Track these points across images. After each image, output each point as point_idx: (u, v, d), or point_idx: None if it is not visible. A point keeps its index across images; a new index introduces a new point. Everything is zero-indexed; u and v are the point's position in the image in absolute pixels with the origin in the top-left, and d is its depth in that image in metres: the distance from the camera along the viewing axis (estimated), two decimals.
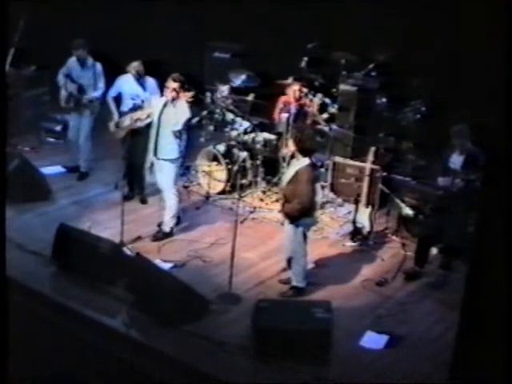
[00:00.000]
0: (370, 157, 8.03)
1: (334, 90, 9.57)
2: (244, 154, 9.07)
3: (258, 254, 7.79)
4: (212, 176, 9.11)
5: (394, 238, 8.27)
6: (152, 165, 7.91)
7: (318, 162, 8.37)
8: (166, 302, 6.51)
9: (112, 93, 8.70)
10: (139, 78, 8.52)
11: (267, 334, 6.10)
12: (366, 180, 7.98)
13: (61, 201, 8.72)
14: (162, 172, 7.84)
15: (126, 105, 8.56)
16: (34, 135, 10.47)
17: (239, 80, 9.57)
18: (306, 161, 6.78)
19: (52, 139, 10.60)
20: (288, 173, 7.02)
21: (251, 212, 8.64)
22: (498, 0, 4.46)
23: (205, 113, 9.56)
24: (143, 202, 8.83)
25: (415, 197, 8.14)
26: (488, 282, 4.37)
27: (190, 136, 8.57)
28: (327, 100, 9.46)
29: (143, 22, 10.58)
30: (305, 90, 9.13)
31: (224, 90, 9.45)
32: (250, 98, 9.44)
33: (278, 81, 9.20)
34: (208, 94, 9.52)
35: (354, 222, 8.17)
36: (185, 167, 9.08)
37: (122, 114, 8.57)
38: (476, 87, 7.60)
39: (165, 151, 7.73)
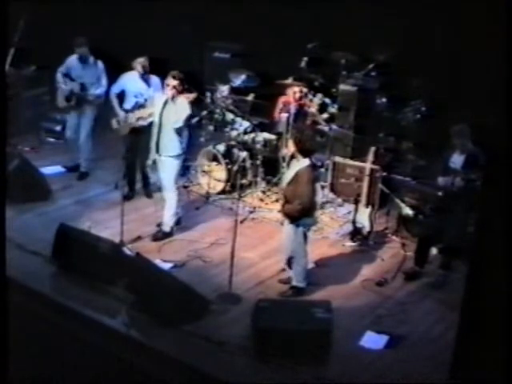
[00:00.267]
0: (370, 157, 8.03)
1: (334, 90, 9.56)
2: (244, 154, 9.07)
3: (257, 253, 7.79)
4: (212, 176, 9.11)
5: (394, 237, 8.27)
6: (154, 162, 7.92)
7: (318, 162, 8.37)
8: (166, 302, 6.50)
9: (115, 89, 8.67)
10: (144, 75, 8.48)
11: (267, 334, 6.10)
12: (366, 180, 7.98)
13: (61, 201, 8.72)
14: (164, 169, 7.85)
15: (129, 102, 8.54)
16: (34, 135, 10.47)
17: (239, 80, 9.57)
18: (306, 161, 6.78)
19: (52, 139, 10.60)
20: (288, 173, 7.02)
21: (251, 212, 8.64)
22: (498, 0, 4.47)
23: (205, 113, 9.56)
24: (148, 196, 8.86)
25: (415, 197, 8.14)
26: (488, 282, 4.37)
27: (191, 132, 8.56)
28: (327, 100, 9.46)
29: (143, 22, 10.57)
30: (305, 90, 9.14)
31: (224, 90, 9.45)
32: (250, 97, 9.44)
33: (278, 81, 9.20)
34: (208, 94, 9.52)
35: (353, 222, 8.17)
36: (185, 167, 9.08)
37: (124, 112, 8.56)
38: (476, 87, 7.60)
39: (167, 148, 7.74)
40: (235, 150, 9.18)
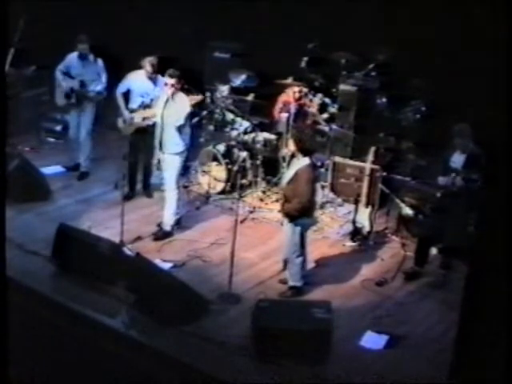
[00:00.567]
0: (370, 157, 8.03)
1: (334, 90, 9.56)
2: (244, 154, 9.07)
3: (257, 253, 7.79)
4: (212, 176, 9.11)
5: (394, 237, 8.27)
6: (159, 161, 7.93)
7: (318, 162, 8.37)
8: (165, 302, 6.50)
9: (121, 89, 8.65)
10: (152, 74, 8.44)
11: (267, 334, 6.10)
12: (366, 180, 7.98)
13: (61, 201, 8.72)
14: (167, 167, 7.87)
15: (135, 102, 8.52)
16: (34, 135, 10.47)
17: (239, 80, 9.57)
18: (305, 161, 6.78)
19: (52, 139, 10.60)
20: (288, 173, 7.03)
21: (251, 212, 8.64)
22: (498, 0, 4.46)
23: (205, 113, 9.56)
24: (148, 196, 8.87)
25: (415, 197, 8.14)
26: (488, 282, 4.36)
27: (194, 130, 8.55)
28: (327, 100, 9.46)
29: (143, 23, 10.57)
30: (305, 90, 9.14)
31: (224, 89, 9.45)
32: (250, 97, 9.44)
33: (278, 81, 9.20)
34: (208, 94, 9.52)
35: (353, 221, 8.17)
36: (185, 167, 9.07)
37: (130, 111, 8.54)
38: (476, 87, 7.60)
39: (169, 146, 7.77)
40: (235, 150, 9.17)
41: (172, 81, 7.66)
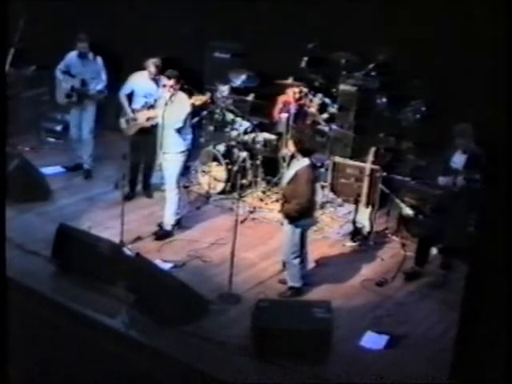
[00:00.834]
0: (370, 157, 8.03)
1: (334, 90, 9.56)
2: (244, 154, 9.07)
3: (257, 253, 7.79)
4: (212, 176, 9.11)
5: (394, 237, 8.27)
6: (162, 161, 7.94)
7: (318, 162, 8.37)
8: (165, 302, 6.50)
9: (125, 91, 8.65)
10: (156, 75, 8.42)
11: (267, 334, 6.10)
12: (366, 180, 7.98)
13: (61, 201, 8.73)
14: (168, 166, 7.87)
15: (138, 102, 8.53)
16: (34, 135, 10.48)
17: (239, 80, 9.57)
18: (305, 161, 6.78)
19: (52, 139, 10.61)
20: (288, 173, 7.02)
21: (251, 212, 8.64)
22: (498, 0, 4.46)
23: (205, 113, 9.56)
24: (148, 196, 8.88)
25: (415, 197, 8.14)
26: (488, 282, 4.36)
27: (195, 130, 8.54)
28: (327, 100, 9.46)
29: (143, 23, 10.56)
30: (305, 90, 9.13)
31: (224, 89, 9.45)
32: (250, 98, 9.44)
33: (278, 81, 9.20)
34: (208, 94, 9.51)
35: (353, 222, 8.17)
36: (185, 167, 9.07)
37: (133, 112, 8.54)
38: (476, 87, 7.59)
39: (170, 146, 7.78)
40: (235, 150, 9.18)
41: (170, 82, 7.65)
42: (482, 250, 4.49)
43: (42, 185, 8.82)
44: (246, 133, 9.31)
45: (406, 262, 7.71)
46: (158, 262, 7.28)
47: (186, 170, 9.19)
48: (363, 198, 8.03)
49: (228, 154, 9.15)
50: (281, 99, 9.25)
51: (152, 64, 8.43)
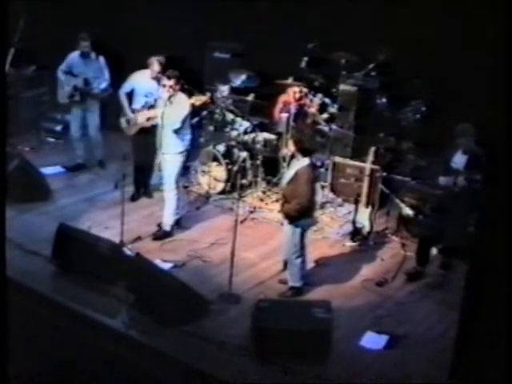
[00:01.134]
0: (370, 157, 8.03)
1: (334, 90, 9.56)
2: (244, 154, 9.07)
3: (257, 253, 7.79)
4: (212, 176, 9.11)
5: (394, 237, 8.27)
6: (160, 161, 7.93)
7: (318, 162, 8.37)
8: (165, 302, 6.50)
9: (125, 89, 8.63)
10: (158, 73, 8.37)
11: (267, 334, 6.09)
12: (366, 180, 7.98)
13: (61, 201, 8.73)
14: (166, 166, 7.86)
15: (139, 102, 8.50)
16: (34, 135, 10.48)
17: (239, 80, 9.57)
18: (305, 161, 6.78)
19: (52, 139, 10.62)
20: (288, 173, 7.02)
21: (251, 212, 8.64)
22: (498, 0, 4.47)
23: (205, 113, 9.56)
24: (148, 196, 8.87)
25: (415, 197, 8.14)
26: (488, 282, 4.37)
27: (194, 130, 8.53)
28: (327, 100, 9.45)
29: (143, 23, 10.57)
30: (305, 90, 9.13)
31: (224, 89, 9.45)
32: (250, 98, 9.44)
33: (278, 81, 9.20)
34: (208, 94, 9.50)
35: (353, 222, 8.17)
36: (185, 167, 9.07)
37: (133, 111, 8.52)
38: (476, 87, 7.60)
39: (169, 146, 7.75)
40: (235, 150, 9.17)
41: (170, 82, 7.62)
42: (481, 250, 4.50)
43: (42, 185, 8.82)
44: (246, 133, 9.31)
45: (406, 261, 7.71)
46: (158, 262, 7.28)
47: (185, 170, 9.20)
48: (363, 198, 8.03)
49: (228, 154, 9.15)
50: (281, 99, 9.25)
51: (156, 61, 8.40)
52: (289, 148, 7.06)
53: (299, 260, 6.97)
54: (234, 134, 9.30)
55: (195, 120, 9.13)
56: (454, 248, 7.31)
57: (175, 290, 6.68)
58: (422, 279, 7.41)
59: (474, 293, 4.51)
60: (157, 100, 8.18)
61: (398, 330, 6.57)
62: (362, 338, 6.41)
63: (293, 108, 8.92)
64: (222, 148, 9.20)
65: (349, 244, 8.12)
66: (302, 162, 6.78)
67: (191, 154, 8.74)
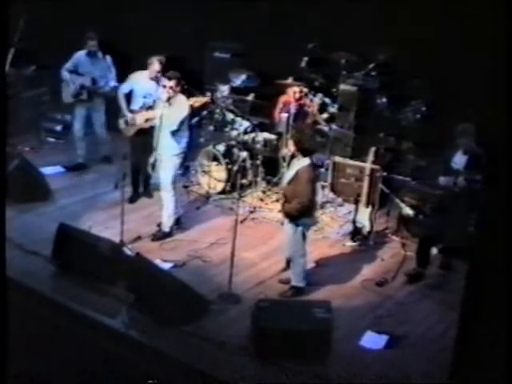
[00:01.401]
0: (370, 157, 8.03)
1: (334, 89, 9.56)
2: (244, 154, 9.07)
3: (257, 253, 7.79)
4: (212, 176, 9.11)
5: (394, 237, 8.27)
6: (155, 161, 7.90)
7: (318, 162, 8.37)
8: (165, 302, 6.50)
9: (124, 89, 8.62)
10: (158, 73, 8.35)
11: (267, 334, 6.09)
12: (366, 180, 7.98)
13: (61, 201, 8.73)
14: (163, 168, 7.84)
15: (137, 103, 8.48)
16: (34, 135, 10.48)
17: (239, 80, 9.57)
18: (306, 161, 6.78)
19: (52, 139, 10.62)
20: (288, 173, 7.03)
21: (251, 212, 8.64)
22: (498, 0, 4.47)
23: (205, 113, 9.56)
24: (149, 196, 8.86)
25: (415, 197, 8.14)
26: (488, 282, 4.36)
27: (193, 134, 8.52)
28: (327, 100, 9.46)
29: (143, 22, 10.57)
30: (305, 90, 9.13)
31: (224, 89, 9.45)
32: (250, 97, 9.45)
33: (278, 81, 9.20)
34: (208, 94, 9.51)
35: (353, 221, 8.17)
36: (185, 167, 9.08)
37: (131, 112, 8.50)
38: (476, 87, 7.60)
39: (166, 147, 7.73)
40: (235, 150, 9.17)
41: (170, 83, 7.59)
42: (482, 250, 4.49)
43: (42, 185, 8.82)
44: (246, 133, 9.31)
45: (406, 261, 7.71)
46: (158, 262, 7.28)
47: (186, 170, 9.22)
48: (363, 198, 8.03)
49: (228, 153, 9.15)
50: (281, 99, 9.25)
51: (157, 61, 8.37)
52: (289, 148, 7.06)
53: (303, 259, 6.97)
54: (233, 133, 9.30)
55: (195, 120, 9.14)
56: (454, 248, 7.31)
57: (175, 290, 6.68)
58: (422, 281, 7.40)
59: (473, 293, 4.51)
60: (155, 101, 8.17)
61: (398, 330, 6.57)
62: (361, 337, 6.41)
63: (293, 108, 8.92)
64: (221, 148, 9.20)
65: (349, 244, 8.12)
66: (303, 161, 6.78)
67: (191, 154, 8.76)
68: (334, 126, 9.18)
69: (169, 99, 7.63)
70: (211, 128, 9.58)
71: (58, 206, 8.60)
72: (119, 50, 9.82)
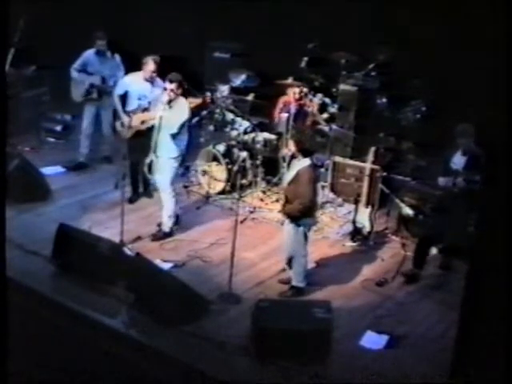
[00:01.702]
0: (370, 157, 8.03)
1: (334, 89, 9.56)
2: (244, 154, 9.07)
3: (257, 253, 7.79)
4: (212, 176, 9.11)
5: (394, 237, 8.27)
6: (151, 162, 7.88)
7: (318, 162, 8.37)
8: (165, 302, 6.50)
9: (118, 91, 8.60)
10: (153, 73, 8.31)
11: (267, 334, 6.09)
12: (366, 180, 7.98)
13: (61, 201, 8.72)
14: (160, 170, 7.83)
15: (132, 104, 8.46)
16: (34, 135, 10.46)
17: (239, 80, 9.57)
18: (306, 161, 6.78)
19: (52, 139, 10.61)
20: (289, 173, 7.02)
21: (251, 212, 8.64)
22: (498, 0, 4.47)
23: (205, 113, 9.56)
24: (149, 196, 8.86)
25: (415, 197, 8.14)
26: (488, 282, 4.37)
27: (192, 133, 8.50)
28: (327, 100, 9.46)
29: (142, 22, 10.58)
30: (305, 90, 9.13)
31: (224, 89, 9.45)
32: (250, 97, 9.44)
33: (278, 81, 9.20)
34: (208, 94, 9.51)
35: (353, 222, 8.17)
36: (185, 167, 9.08)
37: (127, 114, 8.50)
38: (476, 87, 7.60)
39: (164, 149, 7.70)
40: (235, 150, 9.17)
41: (172, 86, 7.54)
42: (482, 250, 4.50)
43: (42, 185, 8.81)
44: (246, 133, 9.30)
45: (406, 261, 7.70)
46: (158, 262, 7.28)
47: (185, 170, 9.21)
48: (363, 198, 8.03)
49: (228, 153, 9.15)
50: (281, 99, 9.25)
51: (151, 61, 8.32)
52: (289, 148, 7.05)
53: (305, 259, 6.98)
54: (233, 133, 9.30)
55: (195, 120, 9.12)
56: (454, 248, 7.31)
57: (175, 290, 6.68)
58: (417, 282, 7.38)
59: (473, 293, 4.52)
60: (151, 103, 8.14)
61: (398, 330, 6.57)
62: (362, 337, 6.41)
63: (293, 108, 8.91)
64: (221, 148, 9.19)
65: (349, 244, 8.11)
66: (303, 162, 6.78)
67: (191, 153, 8.74)
68: (334, 126, 9.18)
69: (169, 102, 7.59)
70: (211, 128, 9.58)
71: (57, 205, 8.59)
72: (117, 50, 9.82)
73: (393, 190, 8.35)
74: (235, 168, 8.94)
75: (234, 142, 9.24)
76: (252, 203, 8.81)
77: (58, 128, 10.68)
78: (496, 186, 4.31)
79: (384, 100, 9.42)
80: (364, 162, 8.13)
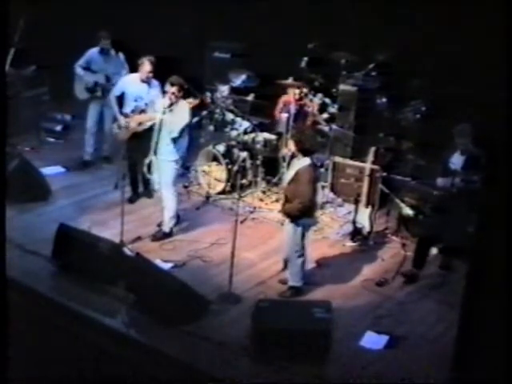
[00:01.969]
0: (370, 157, 8.03)
1: (334, 90, 9.56)
2: (244, 154, 9.07)
3: (257, 253, 7.79)
4: (212, 176, 9.11)
5: (393, 238, 8.27)
6: (150, 163, 7.87)
7: (318, 162, 8.37)
8: (165, 302, 6.50)
9: (115, 92, 8.62)
10: (149, 73, 8.32)
11: (267, 334, 6.09)
12: (366, 180, 7.98)
13: (61, 201, 8.72)
14: (161, 172, 7.82)
15: (129, 106, 8.46)
16: (34, 135, 10.46)
17: (239, 80, 9.57)
18: (306, 161, 6.78)
19: (52, 139, 10.61)
20: (289, 173, 7.02)
21: (251, 212, 8.64)
22: (498, 0, 4.47)
23: (205, 113, 9.55)
24: (149, 196, 8.85)
25: (415, 197, 8.14)
26: (488, 282, 4.37)
27: (192, 134, 8.49)
28: (327, 100, 9.46)
29: (142, 22, 10.58)
30: (305, 90, 9.13)
31: (224, 89, 9.44)
32: (250, 98, 9.44)
33: (278, 81, 9.20)
34: (208, 94, 9.51)
35: (353, 222, 8.17)
36: (185, 167, 9.07)
37: (123, 116, 8.49)
38: (476, 87, 7.60)
39: (164, 152, 7.69)
40: (235, 150, 9.17)
41: (173, 89, 7.53)
42: (481, 250, 4.50)
43: (42, 185, 8.82)
44: (245, 133, 9.31)
45: (406, 261, 7.70)
46: (158, 262, 7.28)
47: (186, 170, 9.20)
48: (363, 198, 8.03)
49: (228, 153, 9.15)
50: (281, 99, 9.25)
51: (147, 61, 8.32)
52: (289, 148, 7.06)
53: (301, 260, 6.97)
54: (233, 133, 9.30)
55: (195, 120, 9.12)
56: (454, 248, 7.31)
57: (175, 290, 6.68)
58: (417, 282, 7.39)
59: (474, 293, 4.52)
60: (147, 104, 8.13)
61: (398, 330, 6.56)
62: (362, 338, 6.40)
63: (293, 108, 8.91)
64: (221, 148, 9.19)
65: (349, 244, 8.11)
66: (303, 161, 6.78)
67: (191, 153, 8.73)
68: (334, 126, 9.18)
69: (170, 105, 7.57)
70: (211, 128, 9.58)
71: (57, 206, 8.59)
72: (117, 50, 9.83)
73: (393, 190, 8.35)
74: (235, 168, 8.94)
75: (233, 142, 9.24)
76: (252, 203, 8.81)
77: (58, 128, 10.69)
78: (496, 186, 4.31)
79: (384, 100, 9.42)
80: (364, 162, 8.13)
